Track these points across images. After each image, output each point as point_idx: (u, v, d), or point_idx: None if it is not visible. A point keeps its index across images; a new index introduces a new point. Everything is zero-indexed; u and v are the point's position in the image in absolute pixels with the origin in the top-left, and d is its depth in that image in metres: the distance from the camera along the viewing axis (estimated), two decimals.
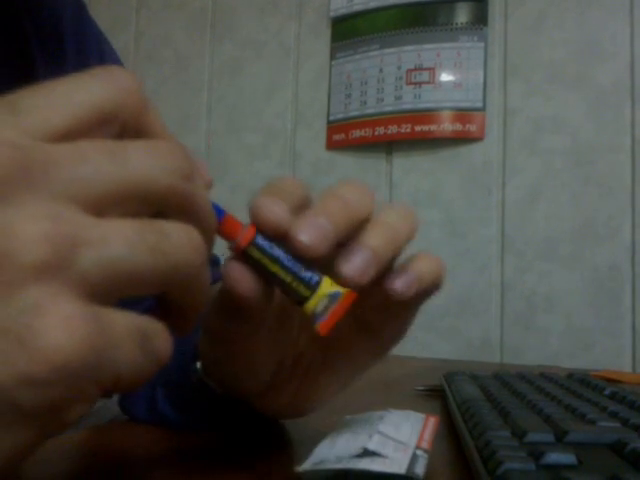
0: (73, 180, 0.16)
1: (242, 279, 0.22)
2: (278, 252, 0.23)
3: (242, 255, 0.23)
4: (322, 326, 0.24)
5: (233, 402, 0.33)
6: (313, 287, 0.24)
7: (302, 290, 0.24)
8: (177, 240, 0.18)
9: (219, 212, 0.22)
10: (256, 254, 0.23)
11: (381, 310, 0.28)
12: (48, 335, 0.14)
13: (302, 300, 0.24)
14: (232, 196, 1.15)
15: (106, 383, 0.16)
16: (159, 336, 0.18)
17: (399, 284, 0.25)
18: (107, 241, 0.16)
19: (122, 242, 0.16)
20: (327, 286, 0.24)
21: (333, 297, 0.24)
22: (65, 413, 0.16)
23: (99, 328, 0.15)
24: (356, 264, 0.24)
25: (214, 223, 0.21)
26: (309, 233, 0.22)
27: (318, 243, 0.22)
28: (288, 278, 0.23)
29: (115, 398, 0.42)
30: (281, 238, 0.23)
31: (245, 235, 0.23)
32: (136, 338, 0.17)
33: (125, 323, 0.16)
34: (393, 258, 0.26)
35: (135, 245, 0.16)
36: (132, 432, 0.38)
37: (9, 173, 0.15)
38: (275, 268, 0.23)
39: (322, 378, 0.30)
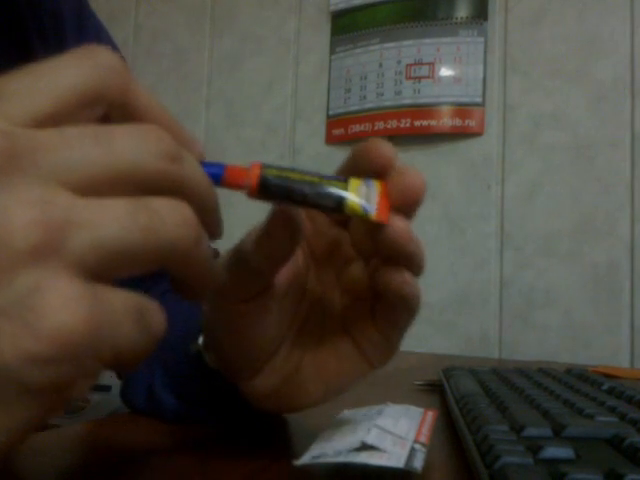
0: (60, 165, 0.16)
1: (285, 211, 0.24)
2: (293, 168, 0.22)
3: (261, 188, 0.22)
4: (379, 217, 0.23)
5: (228, 388, 0.33)
6: (343, 180, 0.23)
7: (336, 184, 0.22)
8: (168, 217, 0.18)
9: (219, 168, 0.22)
10: (274, 174, 0.22)
11: (371, 330, 0.29)
12: (50, 314, 0.15)
13: (340, 199, 0.22)
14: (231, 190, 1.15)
15: (107, 359, 0.17)
16: (154, 313, 0.18)
17: (410, 279, 0.26)
18: (98, 222, 0.16)
19: (113, 223, 0.16)
20: (354, 179, 0.23)
21: (368, 184, 0.23)
22: (68, 390, 0.16)
23: (98, 305, 0.16)
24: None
25: (211, 195, 0.21)
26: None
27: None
28: (316, 179, 0.22)
29: (115, 391, 0.42)
30: (382, 173, 0.24)
31: (253, 168, 0.22)
32: (133, 314, 0.17)
33: (122, 300, 0.17)
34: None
35: (127, 225, 0.17)
36: (131, 425, 0.38)
37: None
38: (299, 176, 0.22)
39: (309, 375, 0.30)
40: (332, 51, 1.24)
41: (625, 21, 1.04)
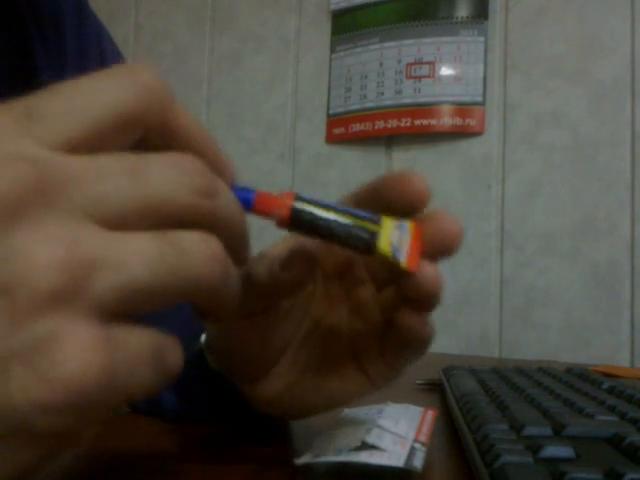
0: (93, 199, 0.15)
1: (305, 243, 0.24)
2: (327, 204, 0.22)
3: (292, 220, 0.21)
4: (409, 265, 0.22)
5: (228, 388, 0.33)
6: (377, 221, 0.22)
7: (369, 226, 0.22)
8: (196, 253, 0.17)
9: (249, 194, 0.21)
10: (306, 207, 0.21)
11: (378, 361, 0.29)
12: (65, 363, 0.14)
13: (370, 242, 0.22)
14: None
15: (118, 404, 0.16)
16: (171, 351, 0.17)
17: (430, 322, 0.26)
18: (125, 263, 0.15)
19: (140, 263, 0.16)
20: (388, 220, 0.22)
21: (401, 228, 0.22)
22: (76, 436, 0.16)
23: (114, 351, 0.15)
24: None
25: (242, 226, 0.20)
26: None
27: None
28: (348, 219, 0.22)
29: None
30: (415, 210, 0.24)
31: (285, 198, 0.21)
32: (150, 356, 0.16)
33: (139, 342, 0.16)
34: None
35: (154, 266, 0.16)
36: (131, 425, 0.38)
37: (24, 191, 0.14)
38: (332, 211, 0.21)
39: (311, 386, 0.30)
40: (332, 50, 1.24)
41: (625, 21, 1.04)
